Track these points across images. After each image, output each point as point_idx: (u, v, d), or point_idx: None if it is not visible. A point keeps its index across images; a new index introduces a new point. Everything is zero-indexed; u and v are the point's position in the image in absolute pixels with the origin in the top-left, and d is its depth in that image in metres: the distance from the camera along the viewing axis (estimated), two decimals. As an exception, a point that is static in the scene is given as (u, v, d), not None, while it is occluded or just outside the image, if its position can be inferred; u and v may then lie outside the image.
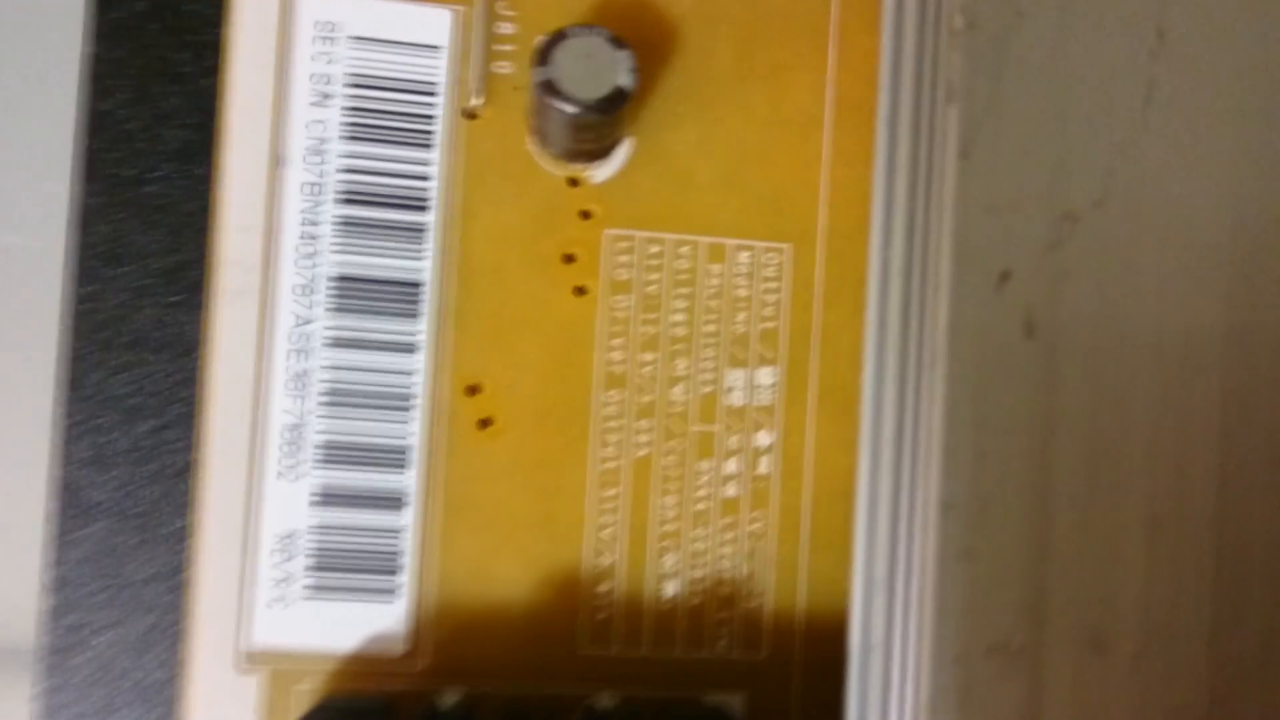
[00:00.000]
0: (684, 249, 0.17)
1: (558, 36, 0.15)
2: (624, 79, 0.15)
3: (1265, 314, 0.14)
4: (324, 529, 0.16)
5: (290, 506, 0.16)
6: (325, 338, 0.17)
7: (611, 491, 0.17)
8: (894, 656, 0.14)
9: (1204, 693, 0.13)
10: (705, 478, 0.17)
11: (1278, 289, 0.14)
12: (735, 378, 0.17)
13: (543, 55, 0.15)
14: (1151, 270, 0.13)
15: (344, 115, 0.17)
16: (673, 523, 0.17)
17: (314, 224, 0.17)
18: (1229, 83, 0.14)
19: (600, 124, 0.16)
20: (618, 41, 0.16)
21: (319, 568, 0.16)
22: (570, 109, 0.15)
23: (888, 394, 0.14)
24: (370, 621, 0.16)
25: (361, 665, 0.16)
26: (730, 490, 0.17)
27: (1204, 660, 0.14)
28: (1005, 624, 0.13)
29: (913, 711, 0.13)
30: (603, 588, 0.17)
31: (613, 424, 0.17)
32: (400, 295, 0.17)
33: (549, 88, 0.15)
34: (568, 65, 0.15)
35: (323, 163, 0.17)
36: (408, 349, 0.17)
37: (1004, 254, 0.13)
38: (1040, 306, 0.13)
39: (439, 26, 0.17)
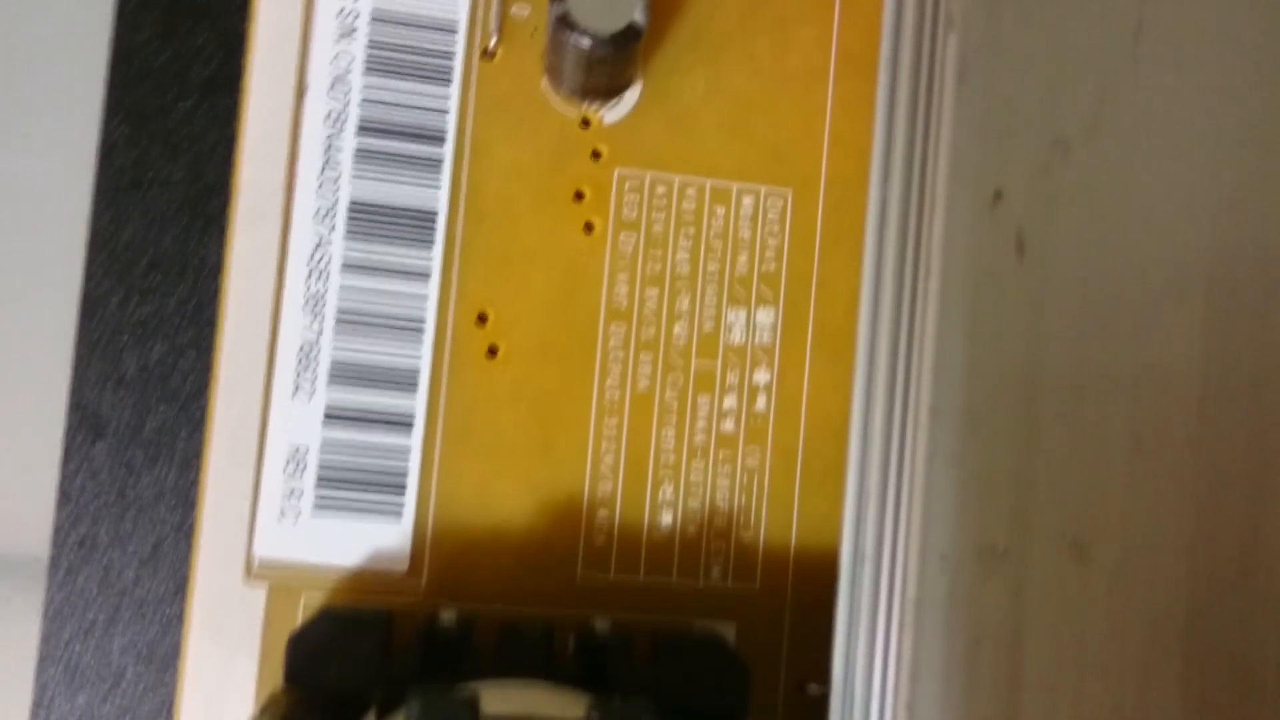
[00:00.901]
0: (690, 190, 0.18)
1: (575, -26, 0.16)
2: (637, 15, 0.16)
3: (1247, 242, 0.14)
4: (333, 446, 0.17)
5: (301, 423, 0.17)
6: (341, 262, 0.17)
7: (612, 422, 0.17)
8: (883, 563, 0.14)
9: (1182, 606, 0.14)
10: (704, 411, 0.18)
11: (1260, 217, 0.14)
12: (736, 316, 0.18)
13: (560, -9, 0.16)
14: (1139, 195, 0.14)
15: (367, 49, 0.17)
16: (671, 454, 0.18)
17: (335, 152, 0.17)
18: (1215, 22, 0.14)
19: (613, 59, 0.16)
20: (632, -19, 0.16)
21: (325, 483, 0.17)
22: (585, 42, 0.16)
23: (884, 307, 0.14)
24: (374, 538, 0.17)
25: (364, 580, 0.17)
26: (728, 425, 0.18)
27: (1183, 574, 0.14)
28: (991, 527, 0.14)
29: (900, 609, 0.14)
30: (601, 515, 0.17)
31: (616, 356, 0.18)
32: (415, 224, 0.17)
33: (565, 21, 0.16)
34: (584, 0, 0.16)
35: (345, 93, 0.17)
36: (420, 276, 0.17)
37: (997, 175, 0.14)
38: (1032, 226, 0.14)
39: (461, -33, 0.17)
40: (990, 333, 0.14)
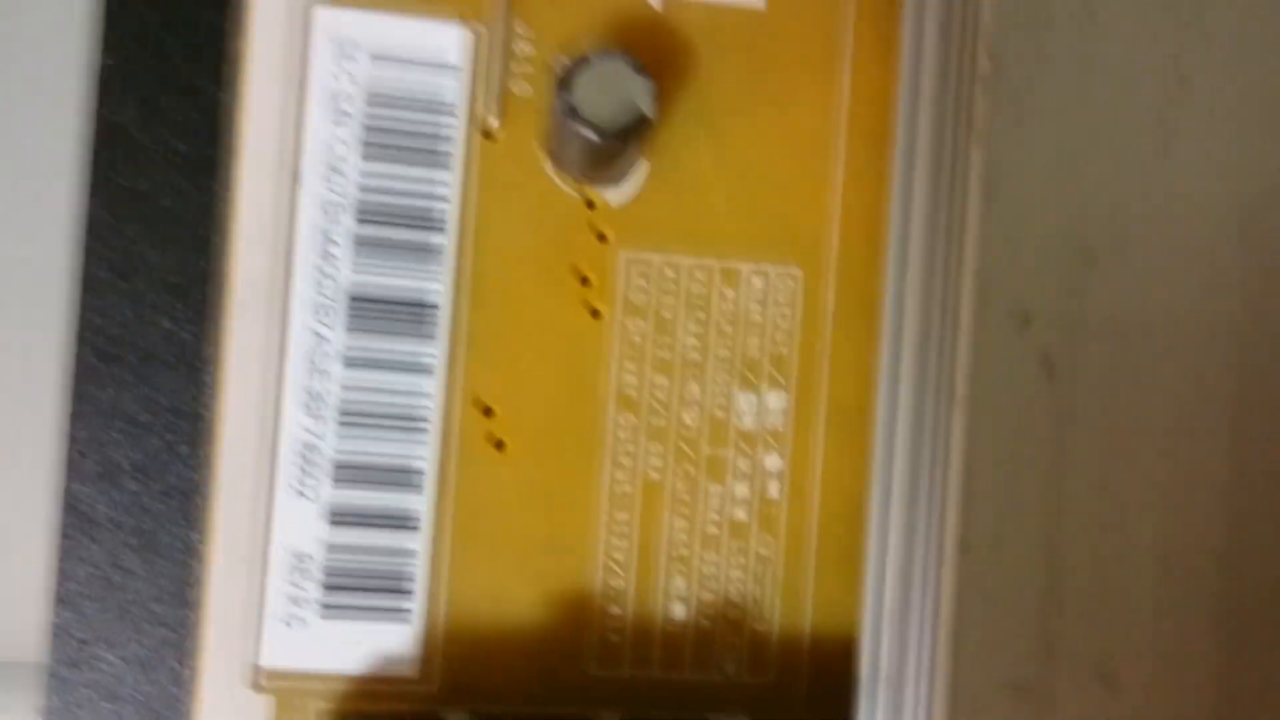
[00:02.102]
0: (698, 273, 0.17)
1: (580, 62, 0.15)
2: (646, 107, 0.16)
3: (1272, 358, 0.14)
4: (337, 549, 0.16)
5: (303, 525, 0.16)
6: (339, 356, 0.17)
7: (623, 514, 0.17)
8: (906, 689, 0.14)
9: (1211, 727, 0.14)
10: (716, 501, 0.17)
11: (1291, 334, 0.14)
12: (746, 401, 0.17)
13: (565, 81, 0.15)
14: (1166, 313, 0.14)
15: (362, 133, 0.17)
16: (683, 546, 0.17)
17: (330, 241, 0.17)
18: (1247, 131, 0.14)
19: (620, 151, 0.16)
20: (639, 68, 0.16)
21: (331, 588, 0.16)
22: (593, 136, 0.15)
23: (900, 429, 0.14)
24: (382, 642, 0.17)
25: (373, 686, 0.16)
26: (740, 514, 0.17)
27: (1211, 695, 0.14)
28: (1020, 661, 0.13)
29: (928, 745, 0.13)
30: (613, 610, 0.17)
31: (625, 447, 0.17)
32: (414, 315, 0.17)
33: (572, 113, 0.15)
34: (590, 91, 0.15)
35: (340, 180, 0.17)
36: (421, 370, 0.17)
37: (1025, 296, 0.13)
38: (1060, 348, 0.13)
39: (457, 47, 0.17)
40: (1018, 460, 0.13)
